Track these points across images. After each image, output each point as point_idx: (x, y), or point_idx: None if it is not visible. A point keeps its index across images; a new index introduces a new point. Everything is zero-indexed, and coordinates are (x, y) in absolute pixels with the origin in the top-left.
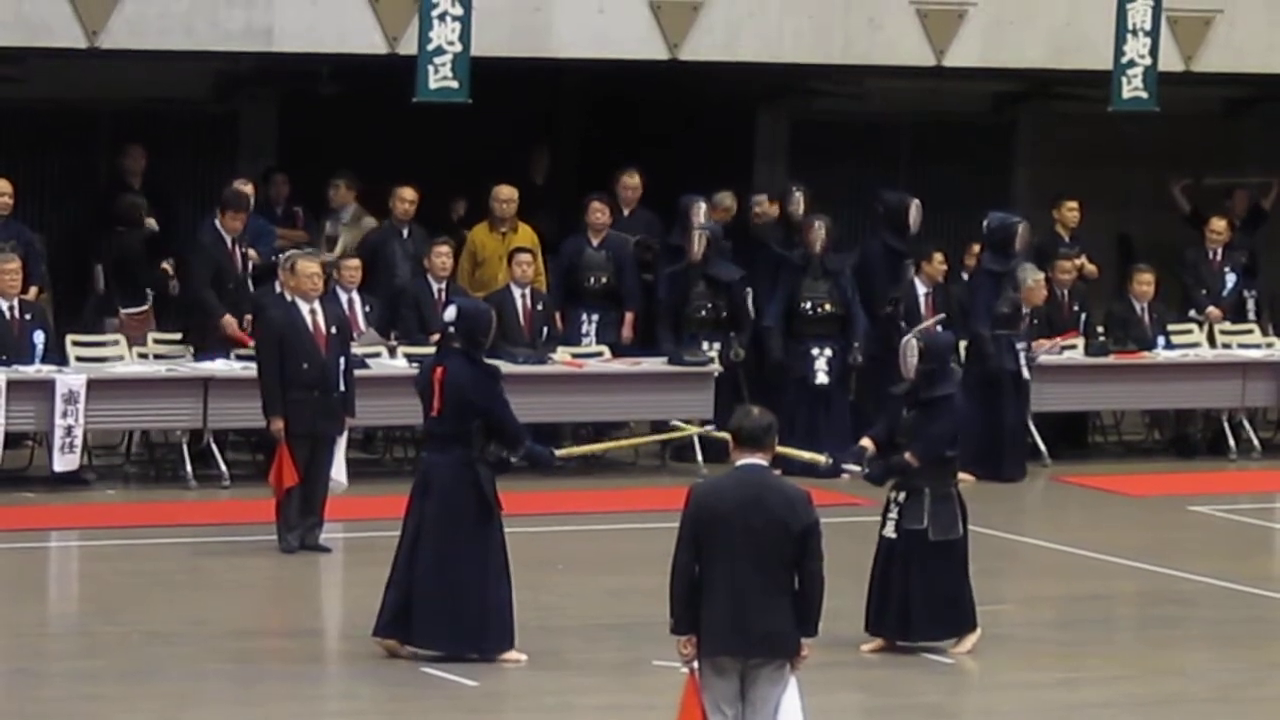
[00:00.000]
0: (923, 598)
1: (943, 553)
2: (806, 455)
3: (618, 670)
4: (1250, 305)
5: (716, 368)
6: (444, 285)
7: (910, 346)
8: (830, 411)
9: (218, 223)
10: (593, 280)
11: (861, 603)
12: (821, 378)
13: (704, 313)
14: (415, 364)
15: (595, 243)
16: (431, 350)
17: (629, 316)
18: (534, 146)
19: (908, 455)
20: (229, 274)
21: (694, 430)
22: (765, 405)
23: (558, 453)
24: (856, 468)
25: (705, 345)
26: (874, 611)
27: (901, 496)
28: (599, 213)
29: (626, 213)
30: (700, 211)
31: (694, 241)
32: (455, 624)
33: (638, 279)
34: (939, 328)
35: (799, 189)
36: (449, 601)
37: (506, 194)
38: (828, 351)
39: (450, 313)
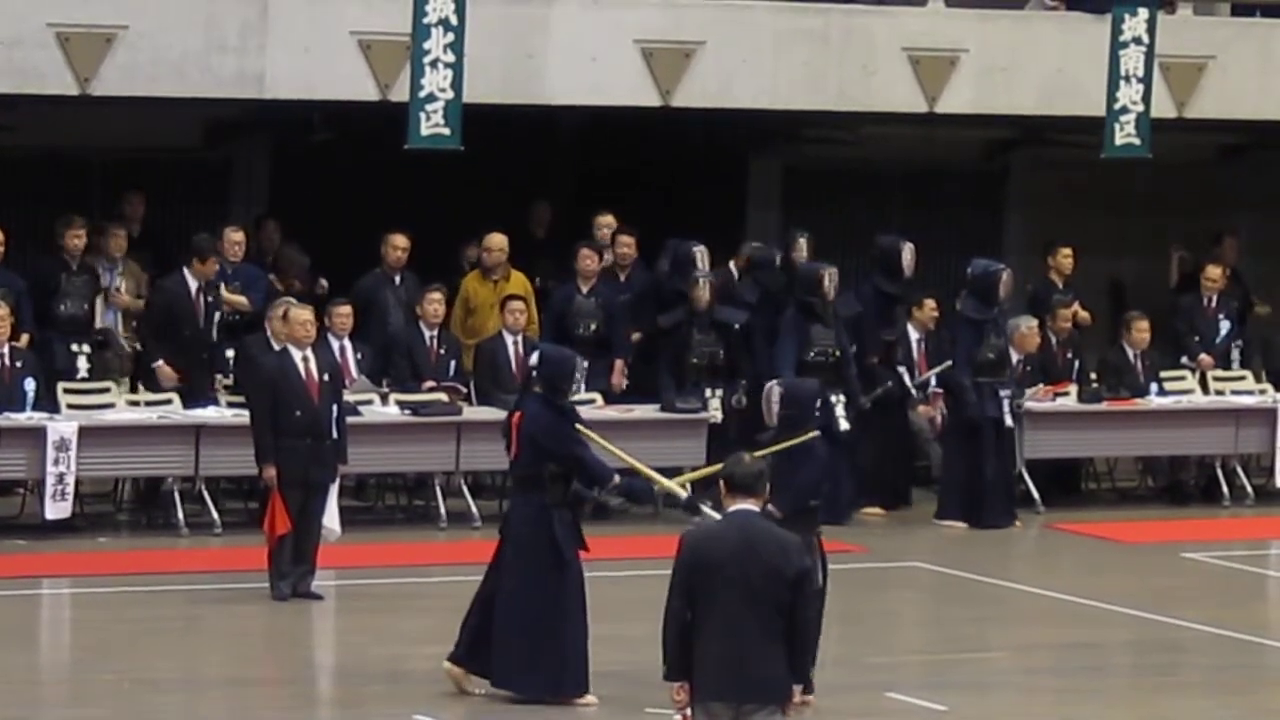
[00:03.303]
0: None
1: None
2: (669, 484)
3: (611, 717)
4: (1235, 353)
5: (709, 415)
6: (436, 333)
7: (773, 392)
8: (843, 458)
9: (186, 270)
10: (583, 328)
11: (853, 649)
12: (844, 424)
13: (706, 359)
14: (407, 411)
15: (585, 290)
16: (426, 397)
17: (618, 364)
18: (534, 201)
19: (770, 506)
20: (186, 320)
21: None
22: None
23: (655, 487)
24: (715, 514)
25: (708, 392)
26: None
27: (803, 547)
28: (589, 259)
29: (623, 278)
30: (701, 257)
31: (699, 288)
32: (533, 673)
33: (627, 327)
34: (934, 379)
35: (803, 235)
36: (525, 650)
37: (497, 242)
38: (843, 398)
39: (534, 358)
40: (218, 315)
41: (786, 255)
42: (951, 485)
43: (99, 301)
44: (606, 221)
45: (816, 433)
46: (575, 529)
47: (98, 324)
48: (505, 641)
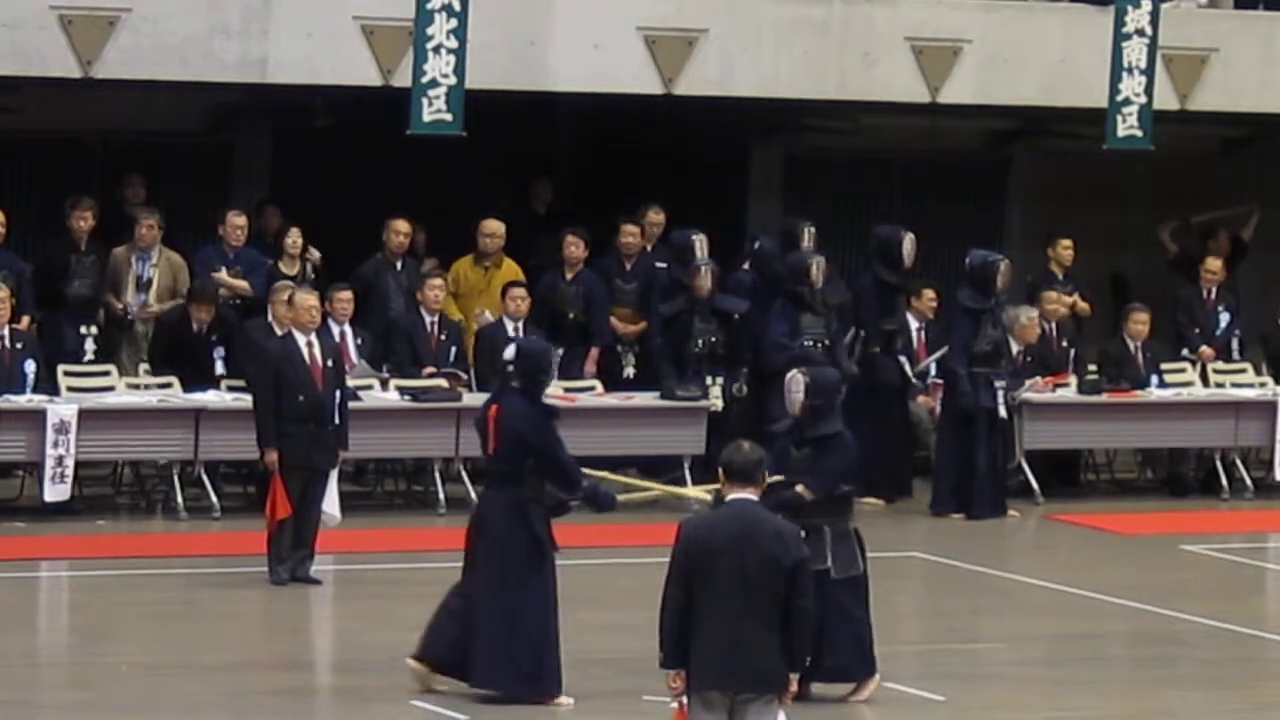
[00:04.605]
0: (831, 639)
1: (847, 591)
2: (693, 493)
3: (608, 705)
4: (1234, 344)
5: (709, 403)
6: (436, 318)
7: (797, 381)
8: None
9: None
10: (565, 315)
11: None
12: None
13: (706, 347)
14: (407, 396)
15: (568, 277)
16: (426, 383)
17: (593, 352)
18: (536, 177)
19: (800, 488)
20: (188, 353)
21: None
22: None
23: (620, 497)
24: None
25: (709, 380)
26: None
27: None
28: (574, 246)
29: (628, 266)
30: (700, 245)
31: (701, 276)
32: (512, 667)
33: (607, 315)
34: (934, 366)
35: (809, 226)
36: (506, 645)
37: (492, 229)
38: None
39: (510, 351)
40: (220, 351)
41: (787, 246)
42: (945, 475)
43: (130, 284)
44: (657, 220)
45: (779, 477)
46: (549, 524)
47: (131, 300)
48: (487, 641)
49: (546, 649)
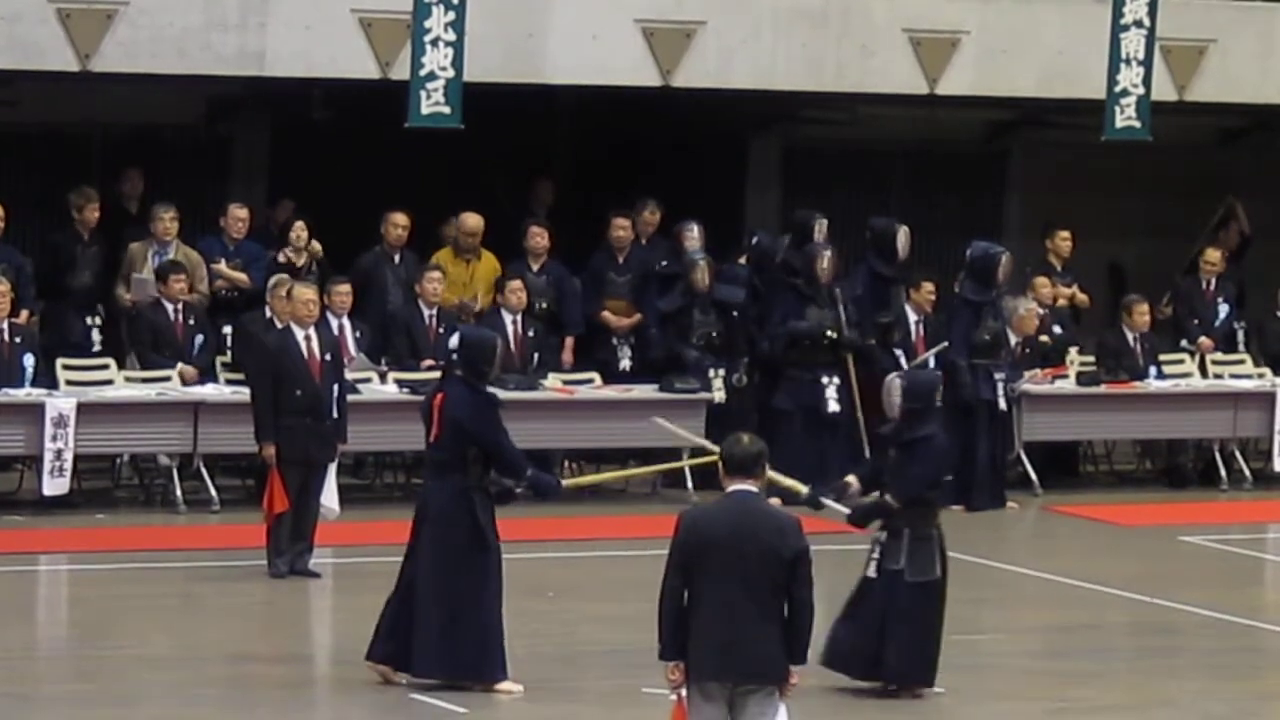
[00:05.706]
0: (893, 639)
1: (918, 595)
2: (788, 482)
3: (607, 698)
4: (1239, 336)
5: (709, 395)
6: (435, 311)
7: (894, 385)
8: (838, 439)
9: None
10: (534, 305)
11: None
12: (834, 405)
13: (706, 340)
14: (406, 389)
15: (535, 268)
16: (424, 376)
17: (568, 341)
18: (537, 178)
19: (888, 498)
20: (168, 343)
21: (687, 463)
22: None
23: (564, 482)
24: (835, 503)
25: (710, 372)
26: (833, 646)
27: (884, 536)
28: (537, 237)
29: (620, 259)
30: (689, 234)
31: (699, 269)
32: (451, 653)
33: (579, 305)
34: (931, 360)
35: (822, 219)
36: (445, 631)
37: (472, 225)
38: (836, 379)
39: (453, 340)
40: (200, 338)
41: (800, 238)
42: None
43: (148, 274)
44: (652, 219)
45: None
46: (492, 513)
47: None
48: (425, 627)
49: (487, 638)
